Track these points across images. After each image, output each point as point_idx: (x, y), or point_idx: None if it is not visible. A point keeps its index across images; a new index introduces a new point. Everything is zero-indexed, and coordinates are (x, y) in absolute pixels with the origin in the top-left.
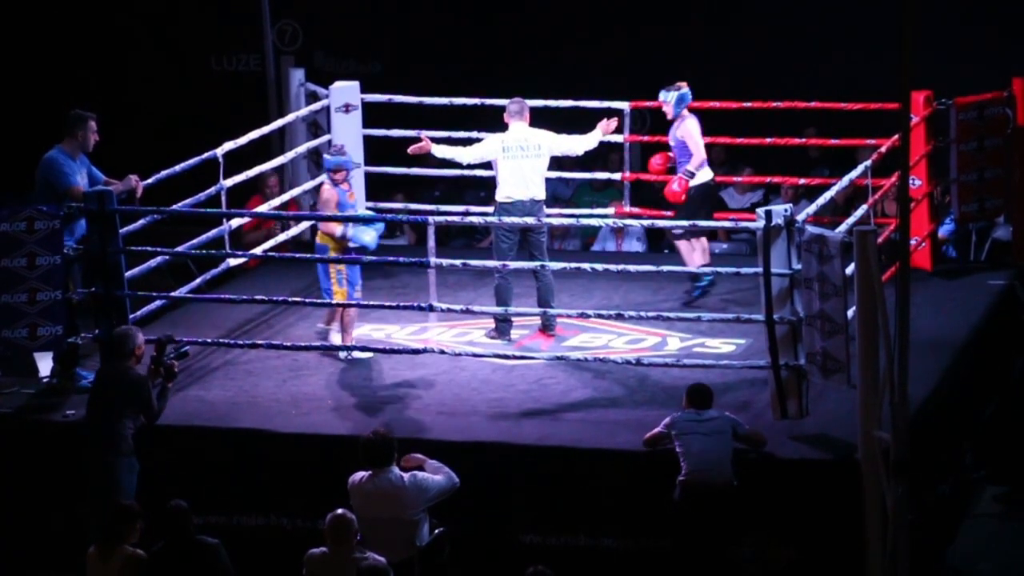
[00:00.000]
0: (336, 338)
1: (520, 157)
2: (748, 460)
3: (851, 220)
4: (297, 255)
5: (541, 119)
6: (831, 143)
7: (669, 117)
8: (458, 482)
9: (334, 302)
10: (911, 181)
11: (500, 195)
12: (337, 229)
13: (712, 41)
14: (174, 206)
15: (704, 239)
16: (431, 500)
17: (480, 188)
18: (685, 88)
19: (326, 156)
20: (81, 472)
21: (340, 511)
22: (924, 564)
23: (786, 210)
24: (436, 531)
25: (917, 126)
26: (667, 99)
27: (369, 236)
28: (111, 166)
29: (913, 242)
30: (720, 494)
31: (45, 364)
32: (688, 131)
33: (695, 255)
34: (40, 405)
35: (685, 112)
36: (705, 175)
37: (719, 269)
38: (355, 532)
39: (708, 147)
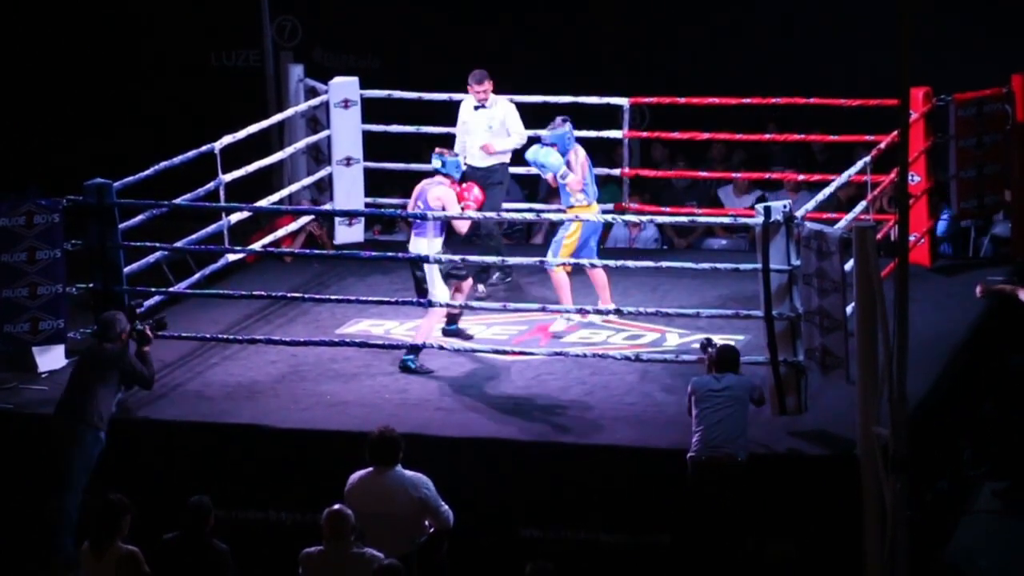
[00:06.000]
0: None
1: None
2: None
3: (850, 216)
4: (296, 251)
5: (540, 117)
6: (830, 139)
7: None
8: (451, 525)
9: None
10: (910, 177)
11: None
12: None
13: (712, 40)
14: (174, 200)
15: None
16: (425, 508)
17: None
18: None
19: None
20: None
21: (337, 506)
22: (923, 560)
23: (785, 206)
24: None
25: (916, 122)
26: None
27: None
28: (111, 164)
29: (912, 238)
30: (725, 471)
31: (44, 360)
32: None
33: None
34: (40, 400)
35: None
36: None
37: (718, 266)
38: (352, 527)
39: (707, 143)
